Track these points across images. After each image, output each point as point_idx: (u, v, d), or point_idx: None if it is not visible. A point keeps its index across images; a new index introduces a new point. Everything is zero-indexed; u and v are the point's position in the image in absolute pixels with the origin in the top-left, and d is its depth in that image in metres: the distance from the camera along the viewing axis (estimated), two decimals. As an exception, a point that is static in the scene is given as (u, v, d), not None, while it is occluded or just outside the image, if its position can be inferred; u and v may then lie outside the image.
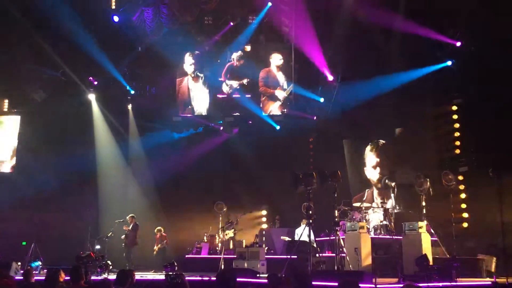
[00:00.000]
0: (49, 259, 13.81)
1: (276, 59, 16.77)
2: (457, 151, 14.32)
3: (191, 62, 17.24)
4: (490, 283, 9.42)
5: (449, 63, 14.37)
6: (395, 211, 14.16)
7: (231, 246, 15.16)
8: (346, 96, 15.42)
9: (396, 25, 14.00)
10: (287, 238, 14.07)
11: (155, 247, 15.04)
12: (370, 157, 15.80)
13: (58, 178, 15.92)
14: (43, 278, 7.52)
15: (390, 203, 14.61)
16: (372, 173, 15.69)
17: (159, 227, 15.28)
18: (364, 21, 13.94)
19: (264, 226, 17.02)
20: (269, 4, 15.88)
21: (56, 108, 16.41)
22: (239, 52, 16.95)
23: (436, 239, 12.35)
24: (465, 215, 13.70)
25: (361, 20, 14.00)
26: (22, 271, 11.78)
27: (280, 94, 16.71)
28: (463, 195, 13.85)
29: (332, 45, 15.14)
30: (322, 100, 16.21)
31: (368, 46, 14.64)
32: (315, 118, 16.55)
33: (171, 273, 7.71)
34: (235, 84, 17.03)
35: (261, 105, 16.81)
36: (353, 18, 14.22)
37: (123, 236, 14.47)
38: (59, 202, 15.85)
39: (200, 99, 17.28)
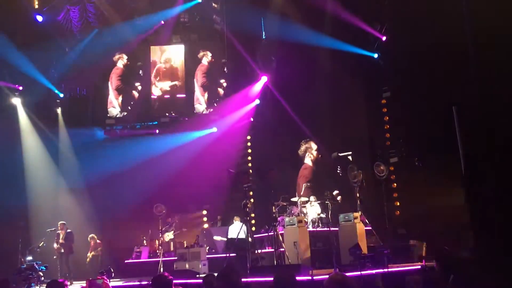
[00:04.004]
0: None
1: (209, 56, 16.80)
2: (388, 142, 14.90)
3: (123, 63, 16.89)
4: (420, 267, 9.86)
5: (375, 55, 14.96)
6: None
7: (171, 248, 14.94)
8: (280, 92, 15.64)
9: (328, 7, 14.39)
10: (219, 238, 14.09)
11: (89, 254, 14.59)
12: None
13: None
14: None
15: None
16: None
17: (92, 235, 14.85)
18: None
19: (206, 226, 16.91)
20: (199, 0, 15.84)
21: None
22: (166, 54, 16.83)
23: (370, 228, 12.78)
24: (397, 203, 14.29)
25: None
26: None
27: (220, 90, 16.81)
28: (394, 185, 14.43)
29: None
30: (258, 101, 16.42)
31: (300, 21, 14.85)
32: (252, 119, 16.71)
33: None
34: (166, 86, 16.89)
35: (194, 103, 16.78)
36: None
37: (55, 245, 13.87)
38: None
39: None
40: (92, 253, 14.60)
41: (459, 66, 11.56)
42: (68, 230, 14.14)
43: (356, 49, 14.71)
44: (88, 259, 14.59)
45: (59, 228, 14.05)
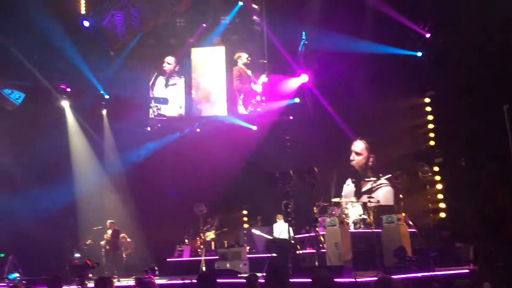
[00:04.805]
0: (28, 270, 13.59)
1: (244, 58, 16.91)
2: (432, 142, 14.51)
3: (172, 65, 17.29)
4: (468, 270, 9.58)
5: (419, 54, 14.60)
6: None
7: (212, 247, 15.10)
8: (320, 91, 15.53)
9: (370, 3, 14.15)
10: (258, 233, 14.20)
11: (123, 254, 14.90)
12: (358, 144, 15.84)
13: (33, 187, 15.66)
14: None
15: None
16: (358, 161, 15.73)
17: (122, 234, 15.05)
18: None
19: (246, 225, 17.00)
20: (240, 3, 15.92)
21: (29, 116, 16.11)
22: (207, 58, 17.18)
23: (415, 230, 12.50)
24: (442, 205, 13.89)
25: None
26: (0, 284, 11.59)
27: (258, 87, 16.90)
28: (439, 186, 14.04)
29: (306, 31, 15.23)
30: (297, 100, 16.33)
31: (340, 25, 14.67)
32: (291, 117, 16.65)
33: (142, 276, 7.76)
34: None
35: (239, 104, 16.92)
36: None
37: (102, 242, 14.21)
38: (37, 211, 15.55)
39: (175, 101, 17.31)
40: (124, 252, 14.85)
41: (508, 62, 11.23)
42: (116, 228, 14.41)
43: (398, 50, 14.41)
44: (124, 257, 14.84)
45: (107, 226, 14.34)
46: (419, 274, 9.26)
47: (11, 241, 14.36)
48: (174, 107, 17.51)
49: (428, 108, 14.79)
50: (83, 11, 15.55)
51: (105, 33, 15.82)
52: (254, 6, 15.99)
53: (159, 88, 17.60)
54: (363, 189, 15.17)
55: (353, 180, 15.50)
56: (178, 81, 17.63)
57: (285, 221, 12.86)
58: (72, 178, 16.40)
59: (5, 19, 14.53)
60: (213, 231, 15.39)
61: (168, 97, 17.48)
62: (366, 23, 14.48)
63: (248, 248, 14.15)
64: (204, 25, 16.68)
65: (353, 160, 15.61)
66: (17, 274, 12.91)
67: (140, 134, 17.55)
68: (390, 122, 14.85)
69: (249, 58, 16.93)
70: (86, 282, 9.27)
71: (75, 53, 15.53)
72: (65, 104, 16.84)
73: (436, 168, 14.07)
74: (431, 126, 14.63)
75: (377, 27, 14.32)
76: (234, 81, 17.11)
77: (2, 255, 14.44)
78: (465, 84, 13.02)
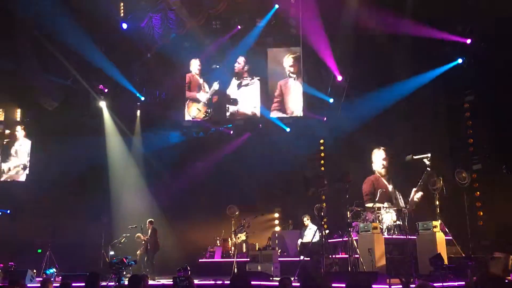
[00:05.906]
0: (64, 266, 13.94)
1: (289, 61, 16.83)
2: (470, 148, 14.13)
3: (197, 68, 17.43)
4: (507, 281, 9.26)
5: (459, 61, 14.25)
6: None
7: (244, 250, 15.12)
8: (355, 97, 15.36)
9: (403, 28, 13.93)
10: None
11: (138, 252, 14.84)
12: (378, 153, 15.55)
13: (71, 185, 16.08)
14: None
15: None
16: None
17: (138, 234, 14.83)
18: (370, 27, 13.88)
19: (277, 228, 16.96)
20: (276, 6, 15.92)
21: (67, 116, 16.57)
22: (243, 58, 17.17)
23: (451, 238, 12.20)
24: (480, 213, 13.50)
25: (367, 27, 13.95)
26: (37, 279, 11.91)
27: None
28: (477, 193, 13.65)
29: (340, 47, 15.14)
30: (331, 100, 16.19)
31: (375, 52, 14.54)
32: (325, 119, 16.49)
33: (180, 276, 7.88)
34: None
35: (272, 108, 16.92)
36: (359, 25, 14.23)
37: (143, 242, 14.39)
38: (73, 209, 15.96)
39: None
40: (139, 252, 14.89)
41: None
42: (154, 227, 14.39)
43: (438, 70, 14.16)
44: (138, 257, 14.88)
45: (146, 226, 14.40)
46: (456, 283, 9.03)
47: (47, 237, 14.77)
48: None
49: (467, 114, 14.40)
50: (121, 14, 15.85)
51: (142, 35, 16.10)
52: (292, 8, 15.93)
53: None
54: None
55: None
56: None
57: (317, 224, 12.78)
58: (108, 177, 16.74)
59: (47, 22, 14.99)
60: (245, 233, 15.42)
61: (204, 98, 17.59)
62: (401, 54, 14.26)
63: (279, 251, 14.10)
64: (239, 26, 16.75)
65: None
66: (54, 270, 13.26)
67: (173, 135, 17.77)
68: (427, 126, 14.57)
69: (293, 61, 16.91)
70: (123, 280, 9.42)
71: (112, 54, 15.90)
72: (102, 104, 17.24)
73: (474, 175, 13.68)
74: (469, 131, 14.24)
75: (413, 51, 14.11)
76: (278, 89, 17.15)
77: (39, 251, 14.90)
78: (506, 89, 12.61)
